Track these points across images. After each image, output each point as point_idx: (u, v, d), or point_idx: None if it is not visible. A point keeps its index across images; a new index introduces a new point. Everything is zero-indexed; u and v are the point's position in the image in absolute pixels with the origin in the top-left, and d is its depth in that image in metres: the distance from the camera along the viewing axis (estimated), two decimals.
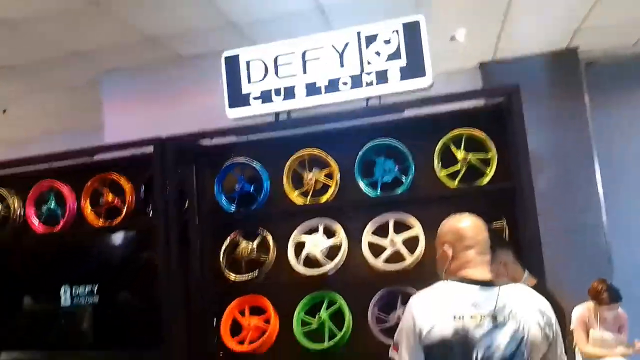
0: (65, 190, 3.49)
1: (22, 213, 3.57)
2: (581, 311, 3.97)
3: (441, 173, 2.94)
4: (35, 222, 3.54)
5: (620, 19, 5.09)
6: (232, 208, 3.22)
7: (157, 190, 3.11)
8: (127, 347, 3.32)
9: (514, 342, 1.73)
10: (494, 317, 1.75)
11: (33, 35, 4.83)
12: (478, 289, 1.82)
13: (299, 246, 3.11)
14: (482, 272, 1.89)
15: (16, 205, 3.58)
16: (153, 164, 3.13)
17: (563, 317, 2.44)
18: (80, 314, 3.43)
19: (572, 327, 3.95)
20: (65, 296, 3.44)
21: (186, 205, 3.19)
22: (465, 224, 1.99)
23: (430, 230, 2.86)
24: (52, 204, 3.52)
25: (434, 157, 2.94)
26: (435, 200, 2.98)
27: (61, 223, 3.48)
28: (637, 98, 5.72)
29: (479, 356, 1.71)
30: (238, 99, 3.14)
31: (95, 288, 3.40)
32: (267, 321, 3.12)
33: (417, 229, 2.96)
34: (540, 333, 1.77)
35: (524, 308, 1.79)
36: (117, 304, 3.43)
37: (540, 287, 2.34)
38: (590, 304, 3.96)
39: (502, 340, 1.72)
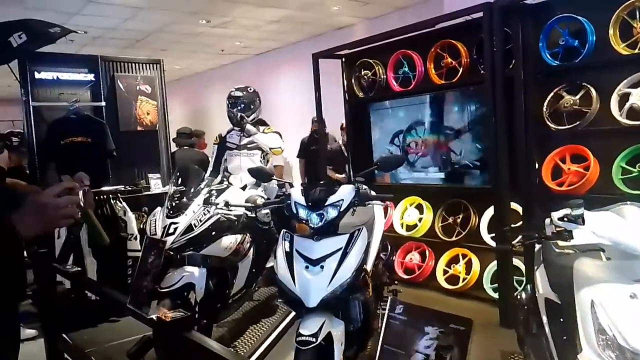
0: (415, 56, 4.37)
1: (384, 77, 4.66)
2: None
3: None
4: (394, 83, 4.59)
5: None
6: (556, 62, 3.47)
7: (487, 50, 3.61)
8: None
9: None
10: None
11: None
12: None
13: (624, 98, 3.18)
14: None
15: (380, 71, 4.69)
16: (483, 27, 3.61)
17: None
18: None
19: None
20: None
21: (512, 62, 3.60)
22: None
23: None
24: (406, 68, 4.47)
25: None
26: None
27: (413, 83, 4.42)
28: None
29: None
30: None
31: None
32: (587, 168, 3.40)
33: None
34: None
35: None
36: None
37: None
38: None
39: None
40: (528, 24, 3.51)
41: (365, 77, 4.79)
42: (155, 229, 3.03)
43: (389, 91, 4.64)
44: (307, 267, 2.14)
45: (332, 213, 2.27)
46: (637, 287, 1.41)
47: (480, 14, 3.61)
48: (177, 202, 3.18)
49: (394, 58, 4.54)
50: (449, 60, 4.14)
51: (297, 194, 2.39)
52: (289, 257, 2.21)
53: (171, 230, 3.00)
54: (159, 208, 3.22)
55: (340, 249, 2.17)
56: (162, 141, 5.45)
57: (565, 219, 1.55)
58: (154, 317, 1.91)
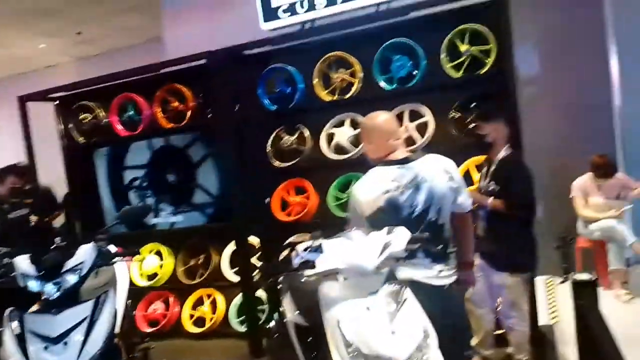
0: (140, 99, 4.25)
1: (108, 121, 4.38)
2: (581, 182, 4.43)
3: (447, 65, 3.41)
4: (120, 127, 4.36)
5: None
6: (274, 107, 3.87)
7: (212, 95, 3.80)
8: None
9: (428, 199, 2.20)
10: (411, 185, 2.21)
11: None
12: (397, 167, 2.26)
13: (330, 137, 3.76)
14: (400, 152, 2.33)
15: (102, 115, 4.41)
16: (209, 73, 3.77)
17: (532, 182, 2.83)
18: None
19: (572, 195, 4.46)
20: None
21: (237, 107, 3.87)
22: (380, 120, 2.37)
23: (440, 116, 3.44)
24: (131, 112, 4.31)
25: (442, 51, 3.39)
26: (442, 89, 3.49)
27: (140, 127, 4.28)
28: None
29: (406, 213, 2.19)
30: (270, 12, 3.68)
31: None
32: (308, 198, 3.87)
33: (428, 117, 3.50)
34: (446, 186, 2.23)
35: (432, 172, 2.24)
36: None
37: (515, 158, 2.91)
38: (590, 175, 4.40)
39: (420, 199, 2.20)
40: (249, 71, 3.84)
41: (86, 121, 4.44)
42: None
43: (114, 136, 4.39)
44: (46, 347, 1.85)
45: (71, 279, 2.02)
46: (371, 300, 1.67)
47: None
48: None
49: (117, 101, 4.33)
50: (176, 103, 4.16)
51: (23, 263, 2.04)
52: (20, 339, 1.86)
53: None
54: None
55: (86, 318, 1.94)
56: None
57: (308, 250, 1.75)
58: None
